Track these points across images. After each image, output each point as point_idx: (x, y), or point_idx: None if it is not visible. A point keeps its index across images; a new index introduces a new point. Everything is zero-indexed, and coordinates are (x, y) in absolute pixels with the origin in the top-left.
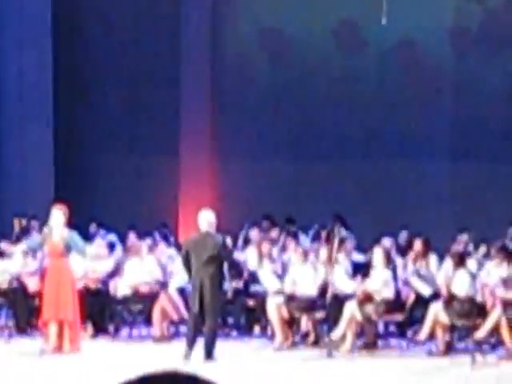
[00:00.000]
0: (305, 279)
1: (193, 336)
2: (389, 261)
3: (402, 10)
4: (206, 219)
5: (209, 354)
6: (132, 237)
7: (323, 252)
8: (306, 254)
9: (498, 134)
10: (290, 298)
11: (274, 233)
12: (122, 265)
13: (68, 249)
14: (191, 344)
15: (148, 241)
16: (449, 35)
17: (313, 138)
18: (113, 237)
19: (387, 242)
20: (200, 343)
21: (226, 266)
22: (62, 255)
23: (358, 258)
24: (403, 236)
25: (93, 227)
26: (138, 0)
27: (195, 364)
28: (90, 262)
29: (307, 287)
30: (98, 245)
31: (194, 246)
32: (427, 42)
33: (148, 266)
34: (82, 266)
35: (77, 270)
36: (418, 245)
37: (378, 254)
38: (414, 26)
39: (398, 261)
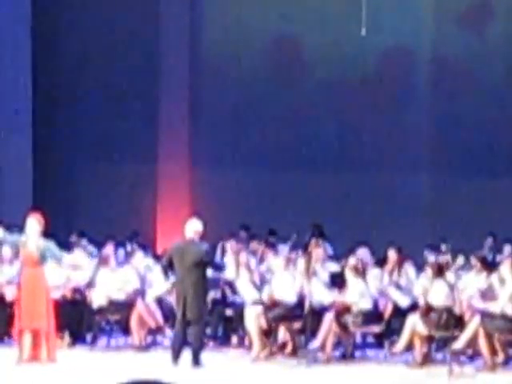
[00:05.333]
0: (286, 286)
1: (179, 344)
2: (361, 272)
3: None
4: (193, 228)
5: (196, 360)
6: (109, 247)
7: (301, 262)
8: (288, 261)
9: (475, 146)
10: (268, 308)
11: (253, 243)
12: (96, 275)
13: (43, 258)
14: (177, 352)
15: (122, 251)
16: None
17: (290, 147)
18: (92, 248)
19: (362, 252)
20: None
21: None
22: (37, 264)
23: (334, 267)
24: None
25: (74, 237)
26: (116, 9)
27: (178, 372)
28: (68, 271)
29: (288, 294)
30: (78, 255)
31: (178, 253)
32: (405, 55)
33: (125, 276)
34: (60, 276)
35: (55, 280)
36: (392, 255)
37: (348, 267)
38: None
39: (375, 271)
